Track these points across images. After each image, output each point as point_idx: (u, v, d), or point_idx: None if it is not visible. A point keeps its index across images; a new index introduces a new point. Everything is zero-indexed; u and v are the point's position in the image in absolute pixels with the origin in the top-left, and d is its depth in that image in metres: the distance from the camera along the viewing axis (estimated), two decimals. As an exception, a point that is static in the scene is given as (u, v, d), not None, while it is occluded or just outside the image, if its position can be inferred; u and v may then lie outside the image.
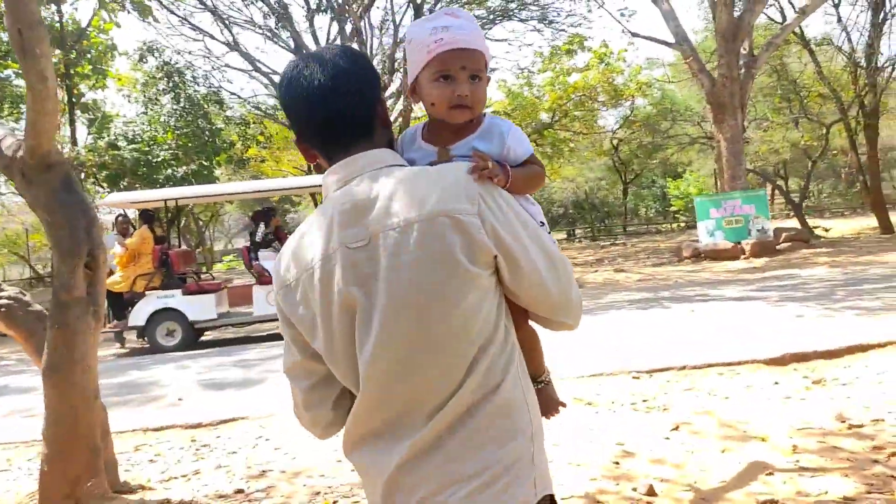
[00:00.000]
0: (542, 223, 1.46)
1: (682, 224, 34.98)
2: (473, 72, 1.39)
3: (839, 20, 19.87)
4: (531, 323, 1.48)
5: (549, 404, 1.59)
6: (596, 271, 16.36)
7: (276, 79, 19.07)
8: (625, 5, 49.30)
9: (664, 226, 38.34)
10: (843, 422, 4.30)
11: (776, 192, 25.70)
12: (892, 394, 4.77)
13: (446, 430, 1.28)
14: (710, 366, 6.06)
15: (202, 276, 12.28)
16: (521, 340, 1.40)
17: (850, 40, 19.55)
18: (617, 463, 3.96)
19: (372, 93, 1.42)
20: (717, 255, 15.04)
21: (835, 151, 23.07)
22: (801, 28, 19.69)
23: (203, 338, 11.37)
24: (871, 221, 20.88)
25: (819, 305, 8.14)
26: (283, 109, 1.45)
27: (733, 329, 7.22)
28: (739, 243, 15.18)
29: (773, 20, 19.73)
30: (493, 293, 1.32)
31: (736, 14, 15.08)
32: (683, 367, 6.03)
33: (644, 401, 5.19)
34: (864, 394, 4.85)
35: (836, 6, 19.86)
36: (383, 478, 1.31)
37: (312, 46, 18.29)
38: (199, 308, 10.45)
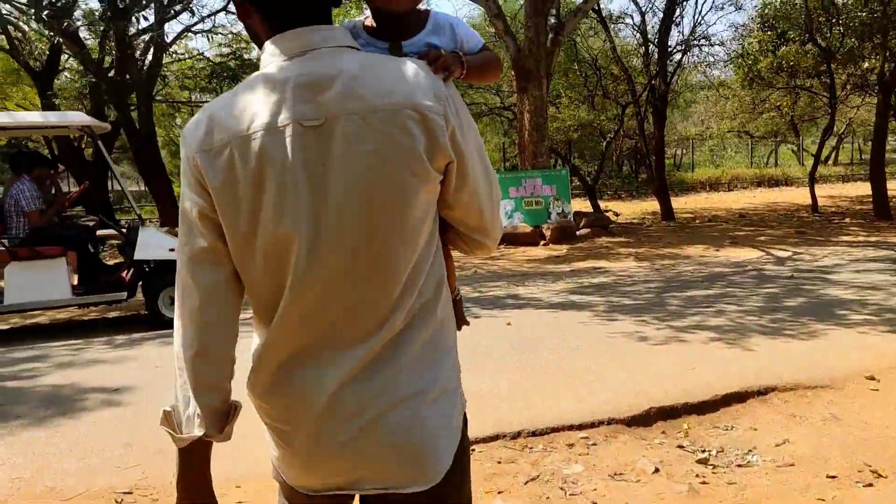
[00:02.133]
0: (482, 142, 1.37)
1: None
2: None
3: (637, 6, 19.35)
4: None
5: (458, 320, 1.47)
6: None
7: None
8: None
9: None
10: None
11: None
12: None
13: (392, 343, 1.22)
14: (553, 430, 4.10)
15: None
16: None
17: (643, 20, 19.12)
18: None
19: None
20: (515, 238, 13.53)
21: (629, 134, 23.00)
22: (599, 5, 18.91)
23: None
24: (653, 206, 21.02)
25: (658, 321, 6.59)
26: None
27: (567, 358, 5.36)
28: (539, 227, 13.83)
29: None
30: (435, 202, 1.25)
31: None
32: (516, 435, 4.00)
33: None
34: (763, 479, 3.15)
35: (632, -15, 19.31)
36: (316, 404, 1.21)
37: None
38: None
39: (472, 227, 1.35)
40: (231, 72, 15.67)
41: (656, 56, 18.69)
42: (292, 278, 1.18)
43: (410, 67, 1.22)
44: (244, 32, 16.99)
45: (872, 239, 12.75)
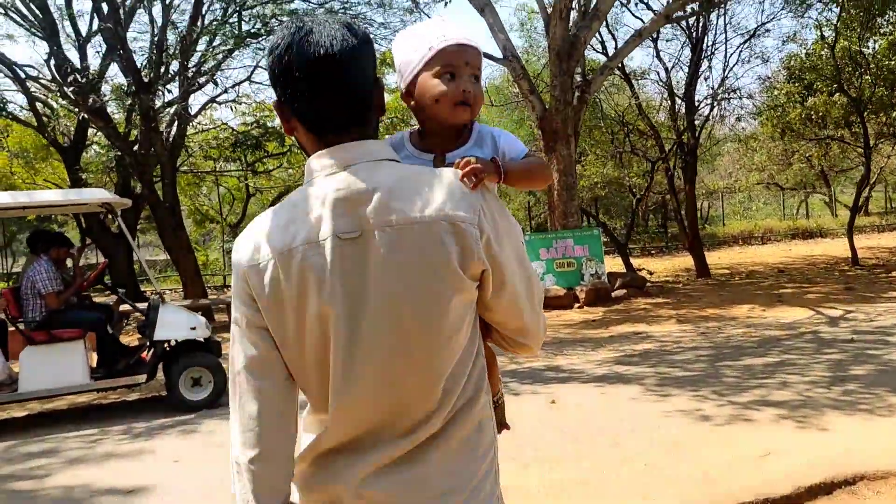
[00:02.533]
0: (522, 243, 1.40)
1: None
2: (475, 70, 1.37)
3: (657, 56, 19.18)
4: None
5: (499, 424, 1.50)
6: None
7: (32, 71, 15.06)
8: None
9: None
10: None
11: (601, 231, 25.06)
12: None
13: (426, 443, 1.25)
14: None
15: None
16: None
17: (668, 76, 18.91)
18: None
19: (374, 73, 1.32)
20: (548, 302, 13.01)
21: (659, 191, 22.62)
22: (622, 62, 18.80)
23: None
24: (685, 262, 20.49)
25: (716, 396, 6.04)
26: (274, 73, 1.28)
27: (623, 445, 4.83)
28: (573, 289, 13.35)
29: (595, 50, 18.59)
30: (473, 306, 1.29)
31: (570, 32, 13.39)
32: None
33: None
34: None
35: (655, 41, 19.19)
36: (347, 493, 1.25)
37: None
38: None
39: (512, 328, 1.36)
40: (255, 140, 15.63)
41: (683, 110, 18.43)
42: (334, 383, 1.23)
43: (446, 179, 1.26)
44: (268, 101, 17.04)
45: (927, 293, 12.08)
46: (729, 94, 18.72)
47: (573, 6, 13.33)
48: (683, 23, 16.94)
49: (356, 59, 1.26)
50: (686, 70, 18.62)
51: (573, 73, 13.40)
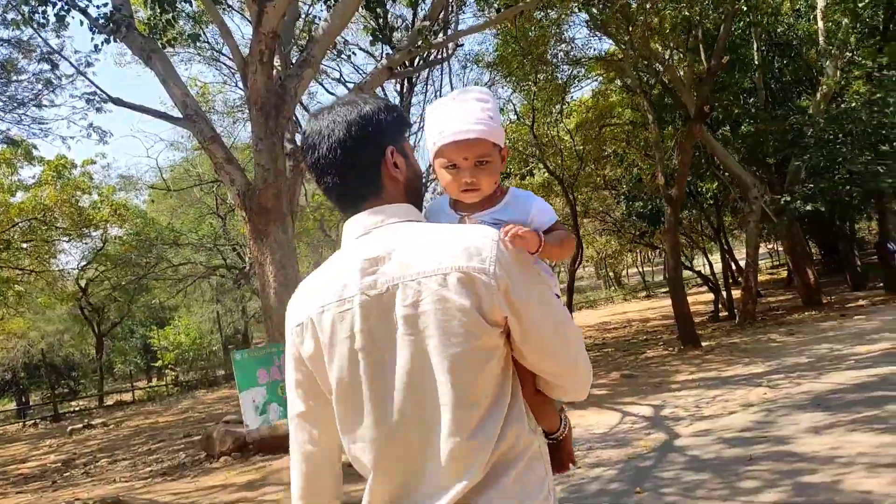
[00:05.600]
0: (557, 295, 1.51)
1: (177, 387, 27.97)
2: (478, 158, 1.50)
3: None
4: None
5: (564, 459, 1.58)
6: None
7: None
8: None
9: (160, 388, 30.42)
10: None
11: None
12: None
13: (473, 492, 1.31)
14: None
15: None
16: (529, 399, 1.44)
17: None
18: None
19: (373, 155, 1.48)
20: (275, 446, 9.28)
21: None
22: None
23: None
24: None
25: None
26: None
27: None
28: (307, 421, 9.73)
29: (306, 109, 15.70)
30: (501, 353, 1.37)
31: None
32: None
33: None
34: None
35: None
36: None
37: None
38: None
39: (549, 373, 1.44)
40: None
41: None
42: (370, 434, 1.37)
43: (463, 232, 1.41)
44: None
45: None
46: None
47: (276, 50, 10.36)
48: (395, 89, 15.00)
49: (346, 157, 1.46)
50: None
51: (283, 133, 10.24)
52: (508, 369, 1.38)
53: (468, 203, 1.54)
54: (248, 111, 10.60)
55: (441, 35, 10.98)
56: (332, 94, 16.12)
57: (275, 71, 10.65)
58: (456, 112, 1.49)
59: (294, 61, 10.31)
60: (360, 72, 16.62)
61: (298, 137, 11.66)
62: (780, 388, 7.93)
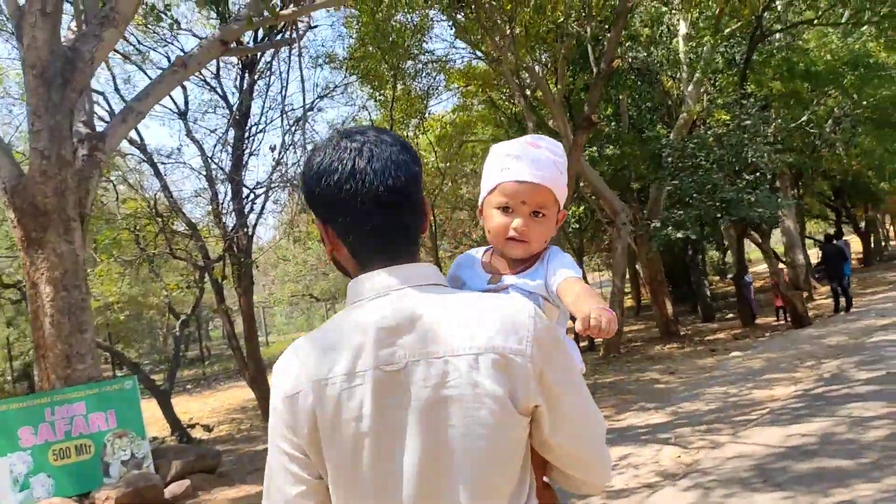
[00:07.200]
0: (582, 369, 1.36)
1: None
2: (536, 207, 1.37)
3: (188, 133, 14.33)
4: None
5: None
6: None
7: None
8: None
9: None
10: None
11: (122, 370, 17.66)
12: None
13: None
14: None
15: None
16: (538, 494, 1.28)
17: (205, 156, 14.16)
18: None
19: (421, 195, 1.27)
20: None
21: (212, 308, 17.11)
22: (142, 136, 13.58)
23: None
24: (241, 396, 15.67)
25: None
26: (323, 199, 1.21)
27: None
28: (89, 497, 7.24)
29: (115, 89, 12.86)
30: (526, 445, 1.21)
31: (65, 37, 7.78)
32: None
33: None
34: None
35: (183, 115, 14.37)
36: None
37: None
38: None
39: (574, 466, 1.28)
40: None
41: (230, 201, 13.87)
42: None
43: (499, 306, 1.20)
44: None
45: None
46: (285, 184, 14.85)
47: None
48: (231, 89, 12.67)
49: (416, 189, 1.24)
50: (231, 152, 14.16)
51: (72, 110, 7.72)
52: (528, 465, 1.22)
53: (506, 259, 1.41)
54: (23, 77, 7.97)
55: (291, 6, 8.93)
56: (149, 77, 13.34)
57: (68, 30, 8.15)
58: (525, 153, 1.38)
59: (88, 20, 7.82)
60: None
61: (101, 123, 9.22)
62: (694, 448, 6.60)
